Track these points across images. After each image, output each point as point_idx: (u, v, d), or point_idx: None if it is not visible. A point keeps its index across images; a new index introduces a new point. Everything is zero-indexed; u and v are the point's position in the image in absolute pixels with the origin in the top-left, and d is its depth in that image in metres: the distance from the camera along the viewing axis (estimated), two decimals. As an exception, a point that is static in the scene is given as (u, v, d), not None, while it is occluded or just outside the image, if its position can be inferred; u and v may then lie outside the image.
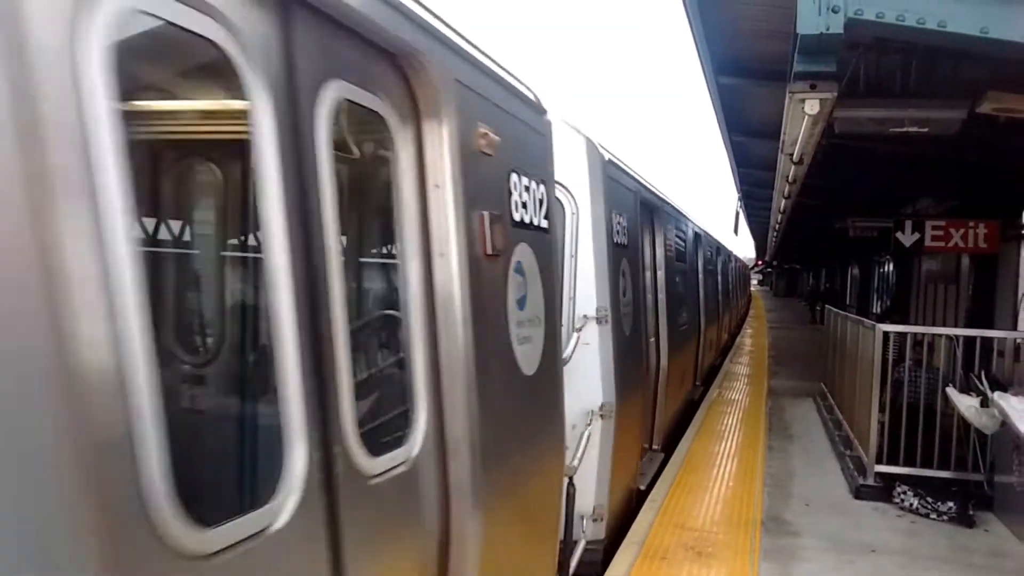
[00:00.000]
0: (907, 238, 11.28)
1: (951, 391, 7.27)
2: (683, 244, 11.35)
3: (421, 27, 2.65)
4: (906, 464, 7.46)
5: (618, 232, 6.38)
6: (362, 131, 2.74)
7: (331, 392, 2.17)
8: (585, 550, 5.55)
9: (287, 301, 2.02)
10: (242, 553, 1.75)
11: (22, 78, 1.29)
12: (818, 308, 31.67)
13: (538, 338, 3.76)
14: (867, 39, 5.32)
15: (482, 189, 3.07)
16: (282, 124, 2.01)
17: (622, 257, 6.47)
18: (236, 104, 1.94)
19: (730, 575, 5.47)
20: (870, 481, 7.54)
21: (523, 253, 3.57)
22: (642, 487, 7.42)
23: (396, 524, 2.56)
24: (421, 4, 2.67)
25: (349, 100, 2.35)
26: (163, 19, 1.65)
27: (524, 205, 3.62)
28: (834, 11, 4.03)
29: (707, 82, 9.68)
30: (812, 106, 5.03)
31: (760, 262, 62.20)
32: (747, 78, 9.23)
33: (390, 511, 2.52)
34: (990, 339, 7.79)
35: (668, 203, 10.10)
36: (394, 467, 2.50)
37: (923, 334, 8.33)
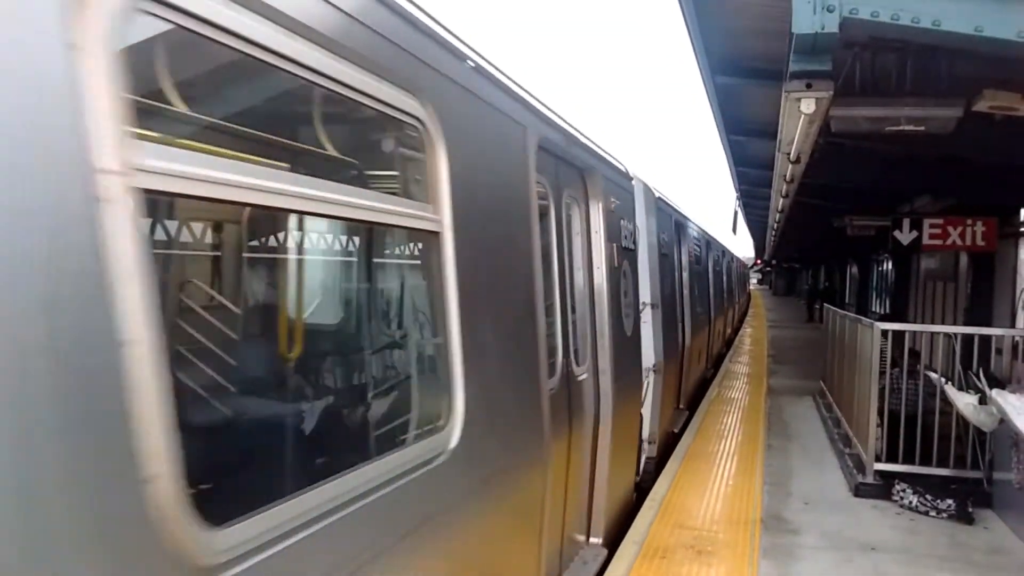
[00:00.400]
0: (905, 236, 11.29)
1: (949, 389, 7.28)
2: (699, 250, 14.52)
3: (592, 153, 5.45)
4: (905, 462, 7.47)
5: (662, 245, 9.45)
6: (568, 208, 5.13)
7: (566, 334, 4.78)
8: (645, 461, 8.23)
9: (558, 292, 4.65)
10: (552, 395, 4.15)
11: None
12: (817, 307, 31.71)
13: (631, 315, 6.47)
14: (862, 38, 5.33)
15: (612, 230, 5.78)
16: (556, 211, 4.70)
17: (664, 263, 9.53)
18: (544, 203, 4.42)
19: (729, 574, 5.48)
20: (869, 479, 7.54)
21: (625, 265, 6.30)
22: (675, 431, 10.24)
23: (583, 404, 5.16)
24: (592, 141, 5.46)
25: (570, 196, 5.09)
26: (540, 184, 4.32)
27: (625, 236, 6.32)
28: (829, 10, 4.04)
29: (704, 81, 9.67)
30: (808, 105, 5.03)
31: (759, 261, 62.14)
32: (744, 77, 9.22)
33: (582, 397, 5.14)
34: (988, 337, 7.81)
35: (690, 220, 13.51)
36: (582, 375, 5.13)
37: (921, 332, 8.34)
